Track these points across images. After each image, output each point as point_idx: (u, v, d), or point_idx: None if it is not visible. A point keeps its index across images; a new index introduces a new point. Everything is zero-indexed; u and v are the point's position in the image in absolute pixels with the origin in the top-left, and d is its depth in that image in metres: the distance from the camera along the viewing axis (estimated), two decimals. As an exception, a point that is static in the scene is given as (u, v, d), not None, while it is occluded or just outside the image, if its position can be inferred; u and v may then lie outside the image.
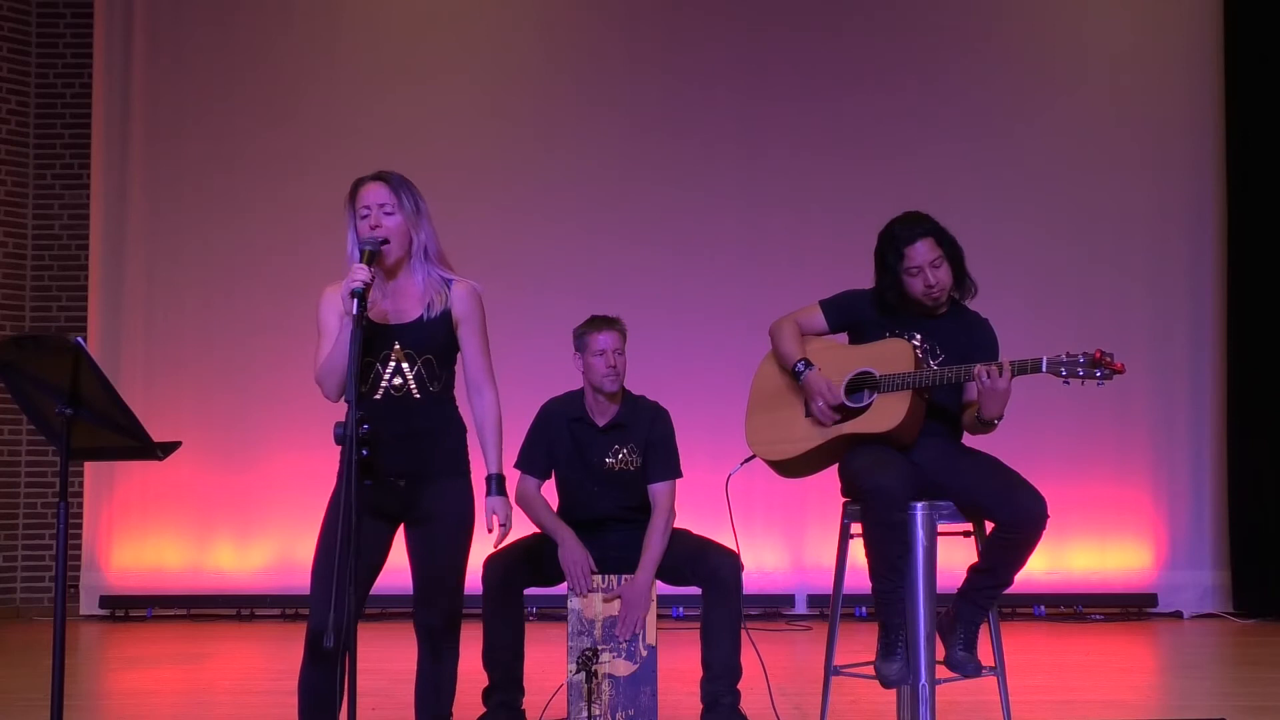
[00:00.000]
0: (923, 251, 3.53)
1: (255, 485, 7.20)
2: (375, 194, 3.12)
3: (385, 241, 3.07)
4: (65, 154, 7.63)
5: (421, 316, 3.13)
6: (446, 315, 3.16)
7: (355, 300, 2.90)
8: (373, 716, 4.19)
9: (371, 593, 3.21)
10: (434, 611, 3.17)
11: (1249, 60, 7.24)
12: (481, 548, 3.97)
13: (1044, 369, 3.32)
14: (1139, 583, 7.14)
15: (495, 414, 3.21)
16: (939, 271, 3.55)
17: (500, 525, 3.17)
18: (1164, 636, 6.58)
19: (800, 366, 3.61)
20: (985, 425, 3.46)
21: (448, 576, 3.16)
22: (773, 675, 4.14)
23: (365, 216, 3.10)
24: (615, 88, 7.47)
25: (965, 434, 3.66)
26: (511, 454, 4.13)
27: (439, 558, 3.14)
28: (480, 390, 3.21)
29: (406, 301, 3.15)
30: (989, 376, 3.34)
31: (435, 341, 3.14)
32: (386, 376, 3.10)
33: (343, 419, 2.89)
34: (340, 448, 3.09)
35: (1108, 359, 3.28)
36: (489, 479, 3.19)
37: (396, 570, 3.21)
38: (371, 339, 3.04)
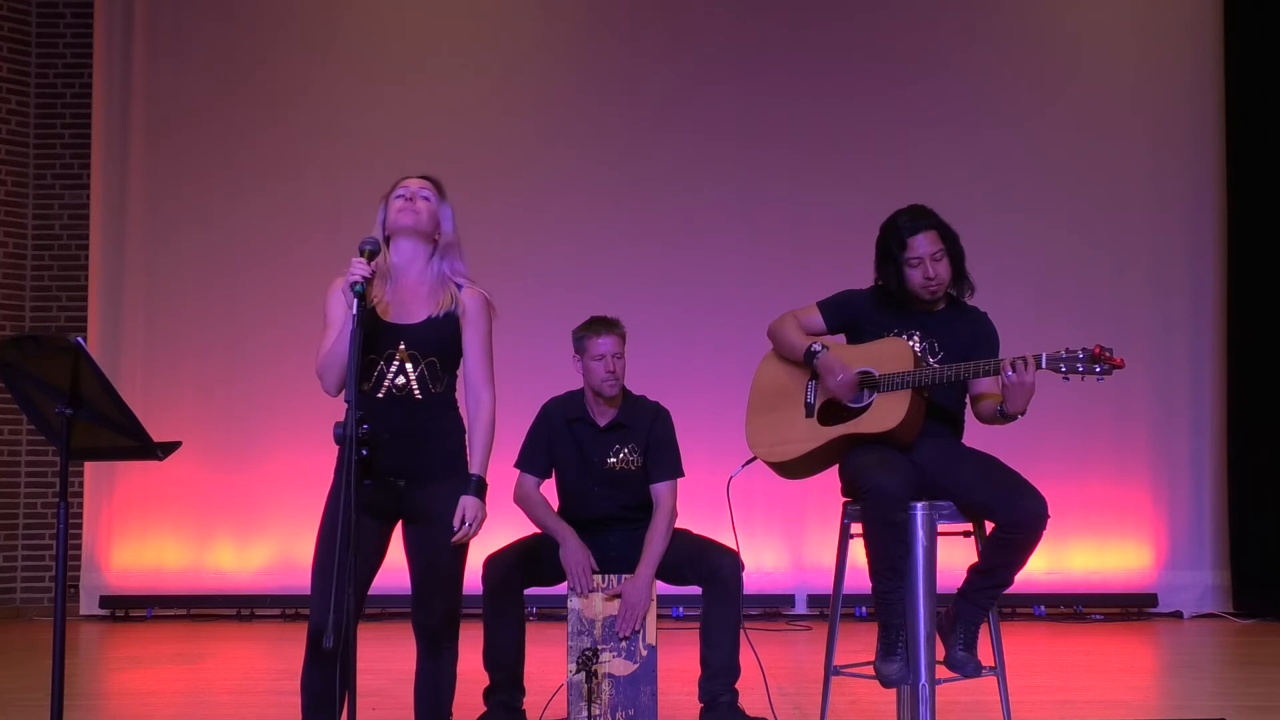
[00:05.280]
0: (924, 244, 3.54)
1: (255, 485, 7.20)
2: (420, 183, 3.26)
3: (380, 245, 3.10)
4: (65, 154, 7.63)
5: (429, 318, 3.15)
6: (453, 318, 3.18)
7: (356, 298, 2.90)
8: (373, 716, 4.19)
9: (371, 593, 3.21)
10: (433, 612, 3.17)
11: (1249, 59, 7.24)
12: (480, 548, 3.99)
13: (1043, 365, 3.32)
14: (1139, 583, 7.14)
15: (489, 418, 3.21)
16: (939, 265, 3.56)
17: (467, 524, 3.10)
18: (1164, 636, 6.58)
19: (817, 347, 3.60)
20: (1007, 418, 3.44)
21: (446, 577, 3.16)
22: (773, 675, 4.15)
23: (400, 196, 3.21)
24: (616, 86, 7.47)
25: (969, 431, 3.67)
26: (510, 453, 4.16)
27: (438, 558, 3.14)
28: (478, 394, 3.22)
29: (416, 300, 3.17)
30: (1015, 371, 3.32)
31: (440, 344, 3.16)
32: (390, 375, 3.11)
33: (342, 418, 2.90)
34: (336, 448, 3.11)
35: (1107, 354, 3.27)
36: (469, 479, 3.16)
37: (397, 570, 3.20)
38: (377, 337, 3.06)
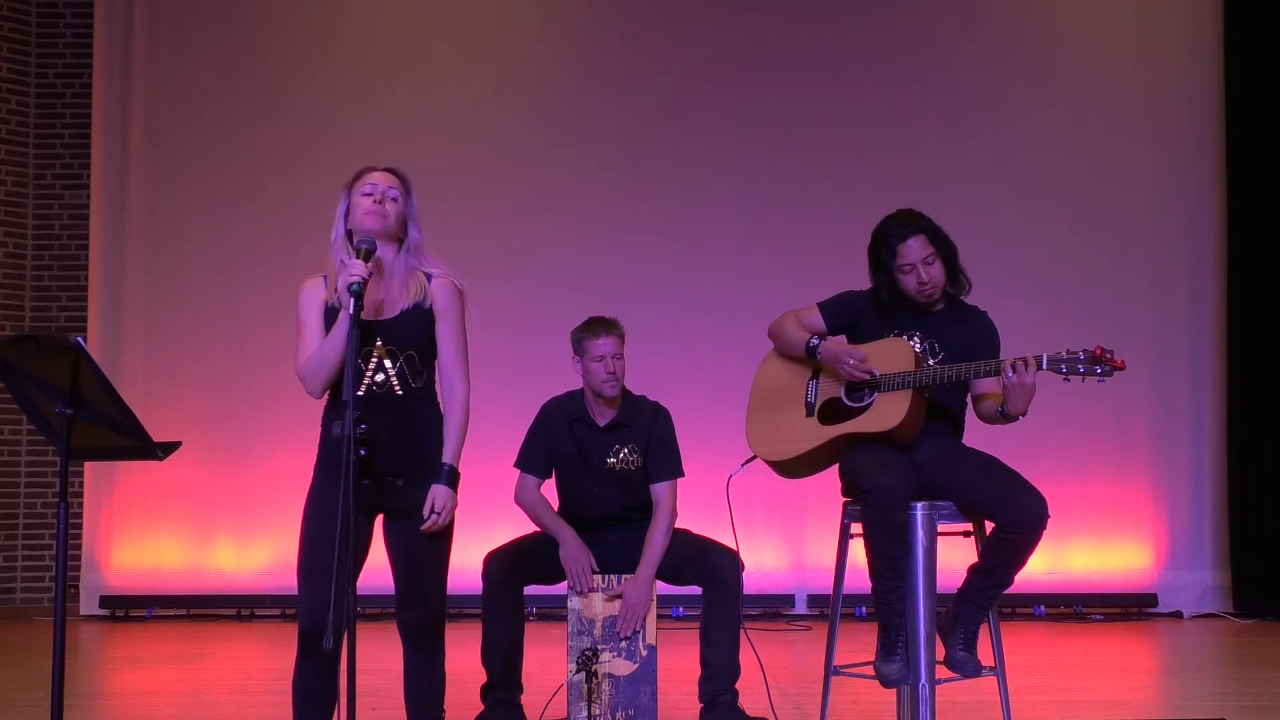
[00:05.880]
0: (915, 249, 3.54)
1: (255, 485, 7.20)
2: (385, 178, 3.18)
3: (374, 250, 3.07)
4: (65, 154, 7.63)
5: (403, 313, 3.14)
6: (427, 310, 3.16)
7: (353, 299, 2.90)
8: (372, 716, 4.19)
9: (373, 592, 3.20)
10: (422, 612, 3.17)
11: (1249, 59, 7.24)
12: (479, 547, 3.99)
13: (1044, 366, 3.31)
14: (1139, 583, 7.14)
15: (463, 408, 3.17)
16: (932, 269, 3.56)
17: (435, 513, 3.07)
18: (1164, 636, 6.58)
19: (815, 341, 3.60)
20: (1009, 418, 3.44)
21: (436, 576, 3.16)
22: (773, 675, 4.15)
23: (369, 194, 3.14)
24: (616, 87, 7.47)
25: (969, 431, 3.67)
26: (510, 453, 4.16)
27: (427, 558, 3.13)
28: (452, 385, 3.19)
29: (389, 297, 3.15)
30: (1015, 372, 3.32)
31: (416, 337, 3.14)
32: (369, 373, 3.10)
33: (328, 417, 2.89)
34: (318, 447, 3.11)
35: (1108, 355, 3.27)
36: (440, 468, 3.11)
37: (396, 569, 3.20)
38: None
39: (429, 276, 3.19)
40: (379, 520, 3.19)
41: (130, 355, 7.32)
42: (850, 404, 3.55)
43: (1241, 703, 4.58)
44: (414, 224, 3.20)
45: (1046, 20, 7.51)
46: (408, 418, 3.11)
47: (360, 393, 3.07)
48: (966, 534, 3.58)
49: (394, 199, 3.15)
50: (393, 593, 3.18)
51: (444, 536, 3.16)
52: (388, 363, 3.11)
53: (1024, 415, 3.40)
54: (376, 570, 3.19)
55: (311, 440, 3.25)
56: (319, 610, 2.82)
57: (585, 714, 3.82)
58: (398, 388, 3.11)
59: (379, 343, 3.10)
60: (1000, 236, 7.06)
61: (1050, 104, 7.38)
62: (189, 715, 4.66)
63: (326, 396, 3.18)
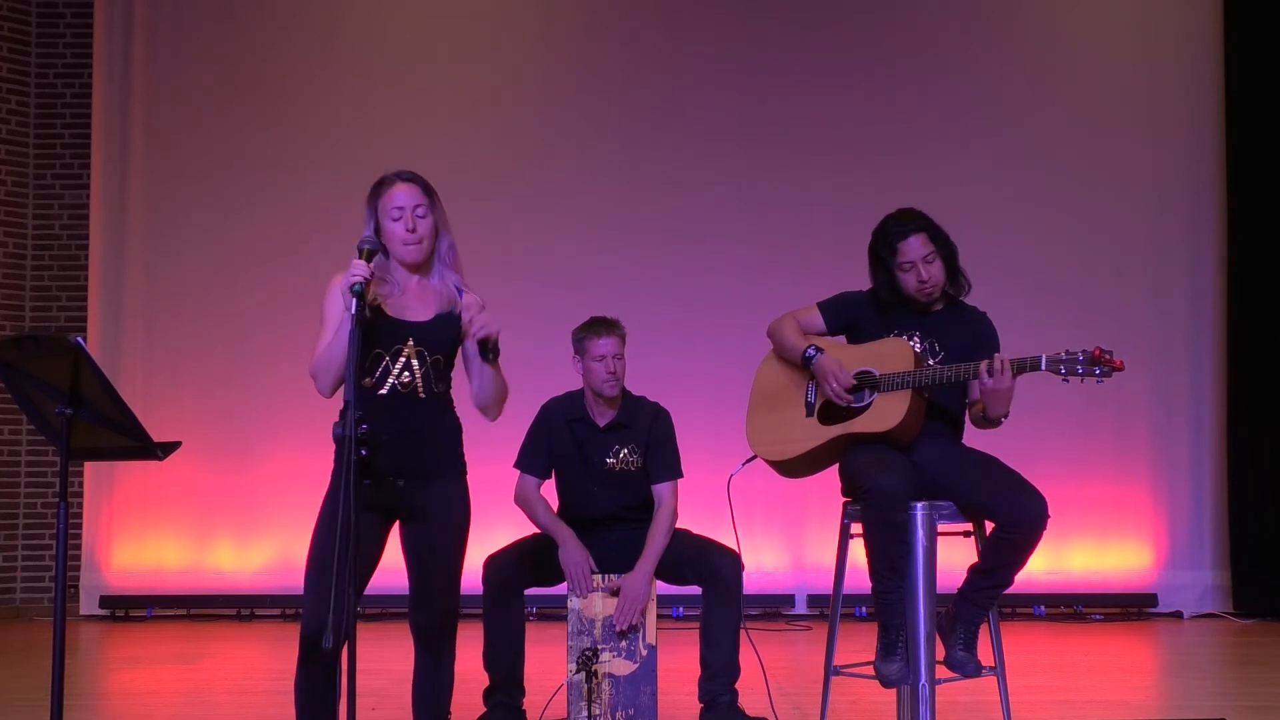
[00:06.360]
0: (915, 247, 3.55)
1: (255, 485, 7.20)
2: (409, 195, 3.14)
3: (379, 245, 3.08)
4: (65, 154, 7.63)
5: (437, 317, 3.15)
6: (457, 317, 3.18)
7: (355, 299, 2.90)
8: (373, 716, 4.19)
9: (372, 592, 3.20)
10: (432, 612, 3.17)
11: (1249, 59, 7.24)
12: (480, 548, 3.99)
13: (1043, 367, 3.32)
14: (1139, 583, 7.14)
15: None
16: (931, 267, 3.56)
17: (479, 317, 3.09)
18: (1164, 636, 6.58)
19: (811, 352, 3.60)
20: (991, 422, 3.47)
21: (445, 577, 3.17)
22: (773, 675, 4.15)
23: (398, 219, 3.12)
24: (616, 87, 7.47)
25: (969, 431, 3.67)
26: (510, 453, 4.17)
27: (437, 559, 3.14)
28: None
29: (424, 301, 3.17)
30: (990, 375, 3.33)
31: (448, 342, 3.17)
32: (396, 372, 3.11)
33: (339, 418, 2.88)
34: (334, 447, 3.10)
35: (1107, 356, 3.28)
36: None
37: (397, 570, 3.20)
38: (385, 333, 3.07)
39: (460, 290, 3.21)
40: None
41: (130, 355, 7.32)
42: (851, 403, 3.55)
43: (1241, 703, 4.58)
44: (445, 230, 3.20)
45: (1046, 21, 7.50)
46: (423, 419, 3.12)
47: (383, 391, 3.09)
48: (966, 534, 3.58)
49: (422, 215, 3.13)
50: (393, 593, 3.19)
51: (459, 541, 3.17)
52: (415, 363, 3.12)
53: (1005, 418, 3.43)
54: (379, 570, 3.19)
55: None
56: (321, 612, 2.81)
57: (585, 714, 3.82)
58: (421, 390, 3.12)
59: (411, 343, 3.12)
60: (1000, 236, 7.06)
61: (1050, 104, 7.37)
62: (189, 715, 4.66)
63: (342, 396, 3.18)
